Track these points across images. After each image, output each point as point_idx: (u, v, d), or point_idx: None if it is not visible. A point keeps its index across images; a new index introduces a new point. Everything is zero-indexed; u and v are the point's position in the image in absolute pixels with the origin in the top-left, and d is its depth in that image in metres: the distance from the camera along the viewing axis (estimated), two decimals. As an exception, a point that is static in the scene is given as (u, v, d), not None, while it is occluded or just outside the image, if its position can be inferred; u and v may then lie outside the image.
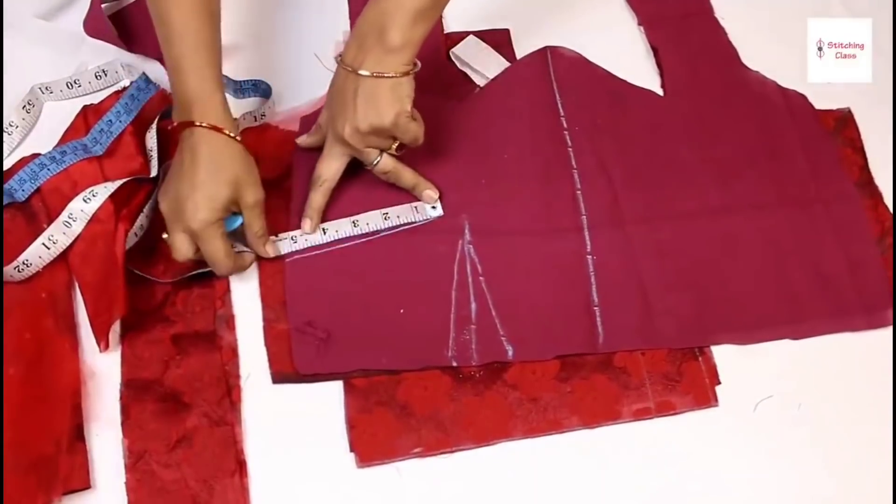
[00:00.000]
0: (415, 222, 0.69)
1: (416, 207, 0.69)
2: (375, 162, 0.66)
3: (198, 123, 0.61)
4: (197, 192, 0.61)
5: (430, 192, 0.69)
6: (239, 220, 0.65)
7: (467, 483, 0.60)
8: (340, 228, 0.68)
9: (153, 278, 0.66)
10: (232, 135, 0.62)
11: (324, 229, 0.67)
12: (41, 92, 0.74)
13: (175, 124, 0.63)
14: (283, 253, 0.67)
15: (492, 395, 0.63)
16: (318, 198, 0.67)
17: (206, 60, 0.63)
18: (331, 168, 0.67)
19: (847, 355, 0.67)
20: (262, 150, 0.72)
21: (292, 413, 0.62)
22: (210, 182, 0.61)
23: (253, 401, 0.62)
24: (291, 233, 0.67)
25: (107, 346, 0.63)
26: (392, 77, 0.61)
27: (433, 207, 0.69)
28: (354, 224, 0.68)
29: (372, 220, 0.68)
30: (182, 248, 0.62)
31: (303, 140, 0.72)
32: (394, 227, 0.69)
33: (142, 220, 0.66)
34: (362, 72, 0.61)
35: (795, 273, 0.69)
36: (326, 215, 0.68)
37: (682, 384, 0.64)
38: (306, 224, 0.67)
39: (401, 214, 0.69)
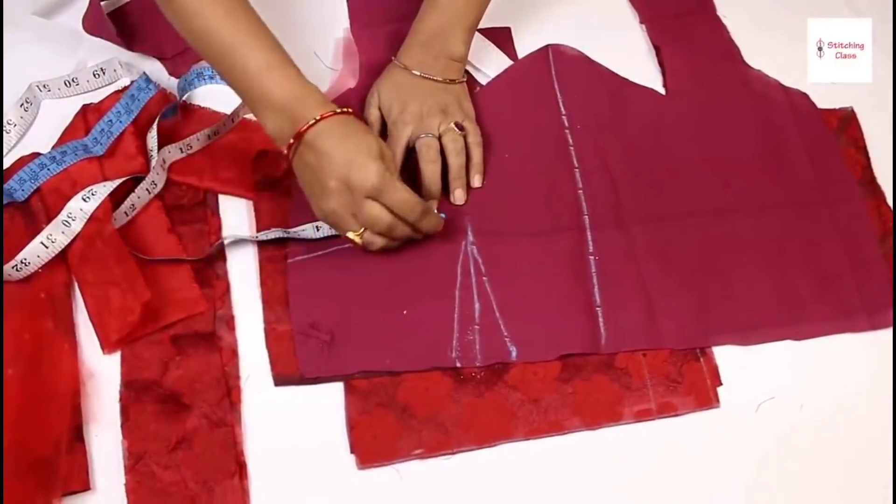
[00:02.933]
0: None
1: None
2: (444, 129, 0.69)
3: (312, 121, 0.60)
4: (356, 155, 0.60)
5: (461, 192, 0.70)
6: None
7: (468, 485, 0.60)
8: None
9: (180, 258, 0.66)
10: (341, 110, 0.62)
11: (317, 226, 0.67)
12: (39, 90, 0.73)
13: (290, 142, 0.61)
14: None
15: (493, 397, 0.63)
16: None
17: (278, 59, 0.62)
18: (396, 154, 0.69)
19: (849, 356, 0.67)
20: (263, 147, 0.72)
21: (292, 414, 0.62)
22: (359, 143, 0.60)
23: (253, 402, 0.62)
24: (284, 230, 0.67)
25: (112, 350, 0.62)
26: (461, 82, 0.73)
27: None
28: None
29: None
30: (379, 213, 0.61)
31: None
32: None
33: (132, 199, 0.66)
34: (435, 77, 0.70)
35: (797, 273, 0.69)
36: None
37: (684, 385, 0.64)
38: (432, 204, 0.69)
39: None
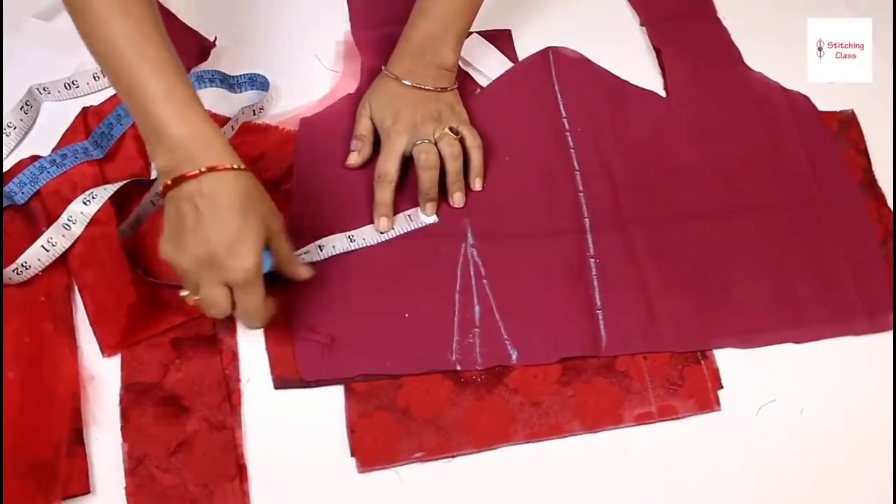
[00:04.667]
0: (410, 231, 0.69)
1: (409, 216, 0.69)
2: (440, 135, 0.68)
3: (204, 169, 0.55)
4: (238, 242, 0.55)
5: (433, 205, 0.69)
6: (268, 259, 0.60)
7: (468, 488, 0.60)
8: (337, 244, 0.67)
9: (169, 283, 0.65)
10: (242, 167, 0.57)
11: (320, 246, 0.67)
12: (39, 93, 0.73)
13: (170, 181, 0.55)
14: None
15: (493, 400, 0.63)
16: (387, 195, 0.68)
17: (184, 91, 0.56)
18: (393, 164, 0.68)
19: (850, 359, 0.67)
20: (263, 151, 0.72)
21: (293, 417, 0.62)
22: (247, 228, 0.55)
23: (253, 405, 0.62)
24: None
25: (111, 353, 0.62)
26: (453, 90, 0.72)
27: (427, 214, 0.69)
28: (350, 239, 0.68)
29: (368, 235, 0.68)
30: (222, 302, 0.56)
31: (354, 159, 0.71)
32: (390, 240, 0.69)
33: (138, 211, 0.66)
34: (427, 87, 0.70)
35: (798, 276, 0.69)
36: (322, 230, 0.68)
37: (685, 388, 0.64)
38: (383, 222, 0.68)
39: (396, 226, 0.69)
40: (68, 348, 0.62)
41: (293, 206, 0.69)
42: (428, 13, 0.71)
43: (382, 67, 0.72)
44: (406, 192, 0.70)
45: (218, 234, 0.55)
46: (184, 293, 0.58)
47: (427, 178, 0.68)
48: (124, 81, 0.56)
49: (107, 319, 0.63)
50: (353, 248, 0.68)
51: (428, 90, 0.70)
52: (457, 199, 0.70)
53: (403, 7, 0.74)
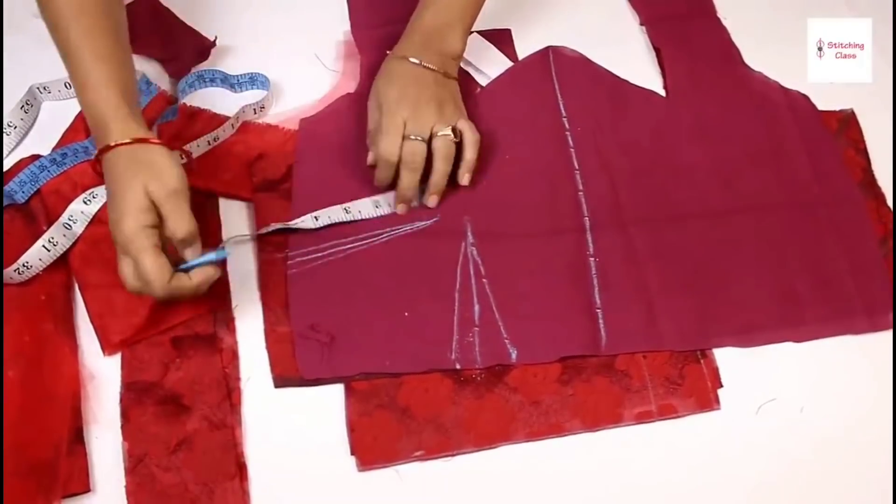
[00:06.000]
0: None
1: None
2: (438, 131, 0.68)
3: (111, 144, 0.58)
4: (116, 209, 0.57)
5: (405, 206, 0.69)
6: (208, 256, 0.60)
7: (468, 486, 0.60)
8: (332, 215, 0.68)
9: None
10: (134, 138, 0.58)
11: (315, 216, 0.67)
12: (39, 92, 0.73)
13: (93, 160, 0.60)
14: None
15: (493, 398, 0.63)
16: (388, 174, 0.69)
17: (106, 74, 0.59)
18: (394, 141, 0.68)
19: (849, 358, 0.67)
20: (263, 150, 0.72)
21: (293, 416, 0.62)
22: (124, 194, 0.57)
23: (253, 403, 0.62)
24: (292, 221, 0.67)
25: (112, 352, 0.62)
26: (456, 80, 0.72)
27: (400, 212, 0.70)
28: (346, 211, 0.68)
29: (363, 208, 0.68)
30: (126, 272, 0.57)
31: (372, 158, 0.70)
32: (382, 216, 0.69)
33: None
34: (434, 67, 0.69)
35: (797, 275, 0.69)
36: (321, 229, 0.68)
37: (684, 387, 0.64)
38: (402, 208, 0.69)
39: (391, 202, 0.69)
40: (68, 347, 0.62)
41: (293, 205, 0.69)
42: (433, 5, 0.71)
43: (388, 52, 0.72)
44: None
45: (111, 203, 0.58)
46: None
47: (407, 178, 0.68)
48: (69, 72, 0.61)
49: (109, 318, 0.63)
50: (347, 219, 0.68)
51: (434, 71, 0.70)
52: (431, 201, 0.70)
53: (403, 7, 0.74)
